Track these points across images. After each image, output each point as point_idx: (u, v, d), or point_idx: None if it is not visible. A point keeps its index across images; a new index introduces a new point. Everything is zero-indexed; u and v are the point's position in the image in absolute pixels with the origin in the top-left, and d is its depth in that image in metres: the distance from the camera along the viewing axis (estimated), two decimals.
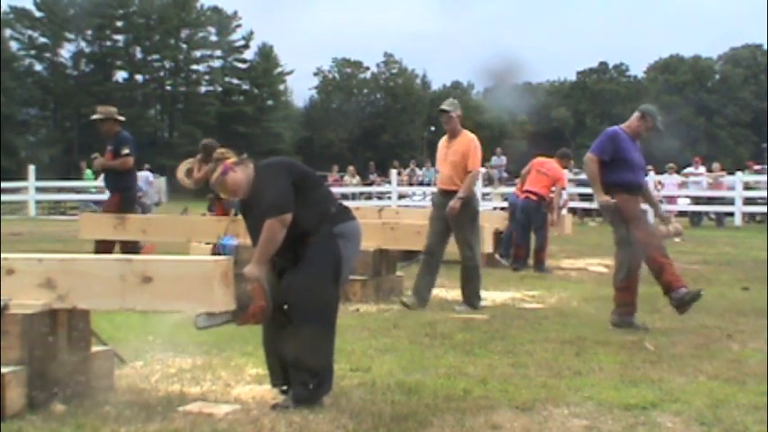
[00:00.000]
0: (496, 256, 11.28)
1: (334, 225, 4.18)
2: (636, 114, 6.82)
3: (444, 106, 7.63)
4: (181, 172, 10.78)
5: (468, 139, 7.57)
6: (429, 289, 7.56)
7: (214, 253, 9.54)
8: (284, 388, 4.20)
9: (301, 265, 4.08)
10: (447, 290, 8.66)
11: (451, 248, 7.64)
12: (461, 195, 7.38)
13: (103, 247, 9.48)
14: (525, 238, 10.88)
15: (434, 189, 27.83)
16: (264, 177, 4.15)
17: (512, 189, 23.80)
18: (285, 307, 4.09)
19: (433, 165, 29.42)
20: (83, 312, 4.10)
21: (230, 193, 4.35)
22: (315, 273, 4.07)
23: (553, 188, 10.99)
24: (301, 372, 4.05)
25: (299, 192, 4.09)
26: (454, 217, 7.35)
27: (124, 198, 9.83)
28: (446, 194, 7.51)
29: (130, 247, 9.72)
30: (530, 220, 10.84)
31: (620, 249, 6.57)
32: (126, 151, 9.56)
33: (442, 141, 7.76)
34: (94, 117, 10.03)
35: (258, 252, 4.03)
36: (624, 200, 6.49)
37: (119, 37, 63.19)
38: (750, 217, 22.43)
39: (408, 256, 10.39)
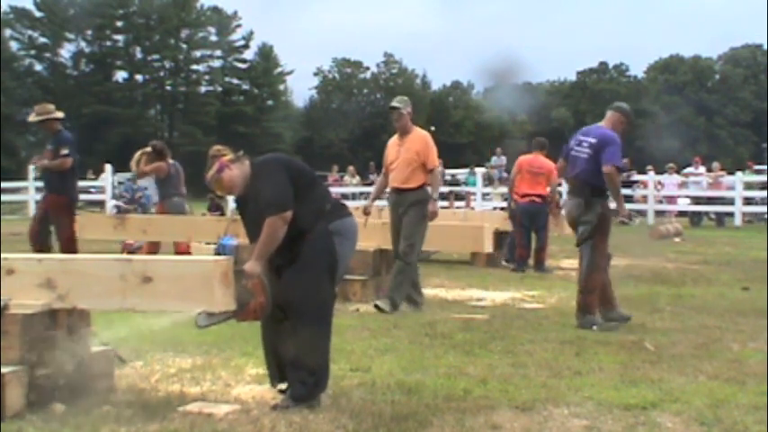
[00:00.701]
0: (503, 261, 11.25)
1: (329, 222, 4.17)
2: (617, 115, 6.82)
3: (395, 103, 7.45)
4: (133, 160, 10.85)
5: (422, 136, 7.45)
6: (418, 291, 7.46)
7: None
8: (283, 387, 4.20)
9: (297, 262, 4.08)
10: (447, 290, 8.67)
11: (450, 248, 7.59)
12: (436, 196, 7.39)
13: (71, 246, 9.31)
14: (529, 239, 10.86)
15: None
16: (262, 175, 4.14)
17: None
18: (282, 304, 4.09)
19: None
20: (83, 312, 4.10)
21: (226, 190, 4.34)
22: (311, 270, 4.07)
23: (548, 187, 10.98)
24: (299, 370, 4.05)
25: (296, 189, 4.09)
26: (409, 214, 7.24)
27: (62, 198, 9.50)
28: (401, 193, 7.36)
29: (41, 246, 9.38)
30: (534, 222, 10.81)
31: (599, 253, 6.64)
32: (65, 152, 9.14)
33: (393, 140, 7.56)
34: (31, 119, 9.72)
35: (258, 249, 4.03)
36: (607, 207, 6.62)
37: (119, 37, 63.20)
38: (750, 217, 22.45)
39: None
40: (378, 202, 8.06)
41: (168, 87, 65.12)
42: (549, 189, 10.90)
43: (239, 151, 4.31)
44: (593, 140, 6.65)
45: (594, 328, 6.42)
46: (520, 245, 10.87)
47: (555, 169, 11.18)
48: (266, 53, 64.88)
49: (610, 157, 6.49)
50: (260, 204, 4.05)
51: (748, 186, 22.19)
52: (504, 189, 24.35)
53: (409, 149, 7.35)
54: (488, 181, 25.39)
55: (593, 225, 6.56)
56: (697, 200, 22.75)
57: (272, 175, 4.10)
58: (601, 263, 6.60)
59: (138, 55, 63.60)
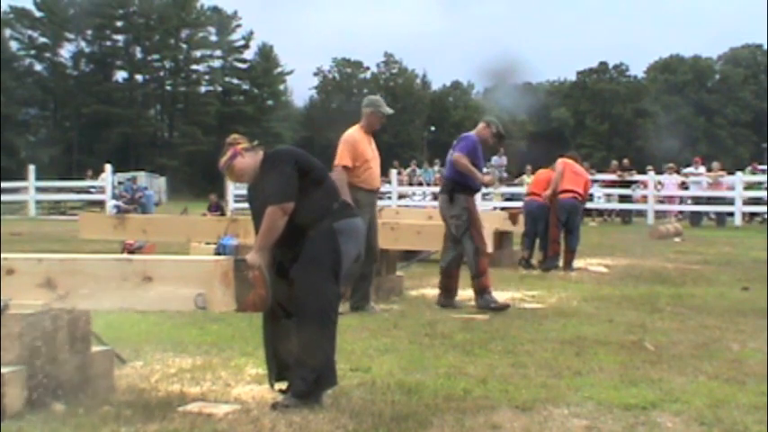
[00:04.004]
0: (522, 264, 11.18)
1: (334, 221, 4.17)
2: (482, 124, 7.79)
3: (388, 110, 7.38)
4: None
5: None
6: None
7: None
8: (283, 387, 4.19)
9: (301, 260, 4.07)
10: None
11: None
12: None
13: None
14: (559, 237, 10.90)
15: (425, 189, 26.82)
16: (270, 164, 4.14)
17: (511, 189, 23.85)
18: (286, 303, 4.08)
19: (431, 164, 29.42)
20: (83, 312, 4.10)
21: (236, 178, 4.34)
22: (316, 269, 4.05)
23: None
24: (301, 367, 4.05)
25: (303, 183, 4.08)
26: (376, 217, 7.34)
27: None
28: (376, 193, 7.32)
29: None
30: (570, 219, 10.81)
31: (466, 242, 7.36)
32: None
33: (363, 136, 7.23)
34: None
35: (259, 239, 4.02)
36: (472, 202, 7.50)
37: (119, 37, 63.30)
38: (751, 217, 22.45)
39: (408, 256, 10.40)
40: (379, 202, 8.02)
41: (168, 87, 65.18)
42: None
43: (254, 141, 4.31)
44: (455, 143, 7.65)
45: (492, 305, 7.18)
46: (555, 241, 10.81)
47: (590, 181, 11.69)
48: (266, 53, 64.97)
49: (459, 149, 7.49)
50: (265, 194, 4.05)
51: (750, 186, 22.20)
52: (505, 189, 24.44)
53: (375, 151, 7.32)
54: None
55: (462, 218, 7.36)
56: (697, 200, 22.75)
57: (279, 165, 4.09)
58: (482, 247, 7.39)
59: (138, 55, 63.68)
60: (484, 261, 7.35)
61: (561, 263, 10.78)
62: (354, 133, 7.22)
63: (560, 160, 11.27)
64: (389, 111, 7.40)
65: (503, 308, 7.19)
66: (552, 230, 10.92)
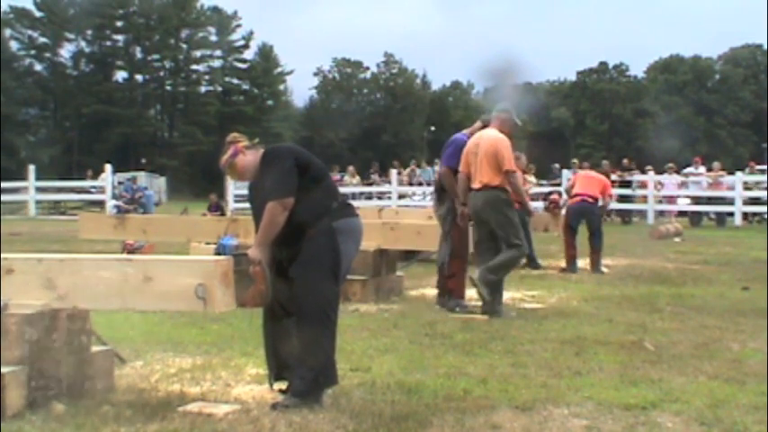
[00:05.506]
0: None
1: (334, 220, 4.16)
2: (477, 124, 7.60)
3: (518, 120, 7.45)
4: None
5: None
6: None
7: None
8: (283, 387, 4.20)
9: (300, 260, 4.07)
10: None
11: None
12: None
13: None
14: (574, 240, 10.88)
15: (425, 189, 27.04)
16: (270, 161, 4.14)
17: None
18: (286, 302, 4.09)
19: (431, 164, 29.38)
20: (83, 312, 4.10)
21: (238, 176, 4.35)
22: (315, 268, 4.05)
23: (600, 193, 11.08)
24: (300, 366, 4.05)
25: (302, 181, 4.07)
26: None
27: None
28: None
29: None
30: (587, 222, 10.81)
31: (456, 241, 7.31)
32: None
33: None
34: None
35: (260, 235, 4.03)
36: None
37: (119, 37, 63.34)
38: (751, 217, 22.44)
39: (408, 256, 10.39)
40: (378, 203, 8.04)
41: (168, 87, 65.20)
42: (601, 200, 10.99)
43: (255, 140, 4.32)
44: (445, 146, 7.60)
45: (458, 309, 7.10)
46: (570, 245, 10.79)
47: (609, 185, 11.43)
48: (266, 53, 65.01)
49: (444, 159, 7.49)
50: (265, 190, 4.05)
51: (748, 187, 22.18)
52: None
53: None
54: None
55: (447, 219, 7.32)
56: (697, 200, 22.74)
57: (279, 161, 4.09)
58: (459, 250, 7.31)
59: (138, 55, 63.71)
60: (457, 263, 7.29)
61: (567, 264, 10.77)
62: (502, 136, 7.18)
63: (573, 175, 11.39)
64: (519, 122, 7.50)
65: (467, 311, 7.09)
66: (565, 236, 10.87)
